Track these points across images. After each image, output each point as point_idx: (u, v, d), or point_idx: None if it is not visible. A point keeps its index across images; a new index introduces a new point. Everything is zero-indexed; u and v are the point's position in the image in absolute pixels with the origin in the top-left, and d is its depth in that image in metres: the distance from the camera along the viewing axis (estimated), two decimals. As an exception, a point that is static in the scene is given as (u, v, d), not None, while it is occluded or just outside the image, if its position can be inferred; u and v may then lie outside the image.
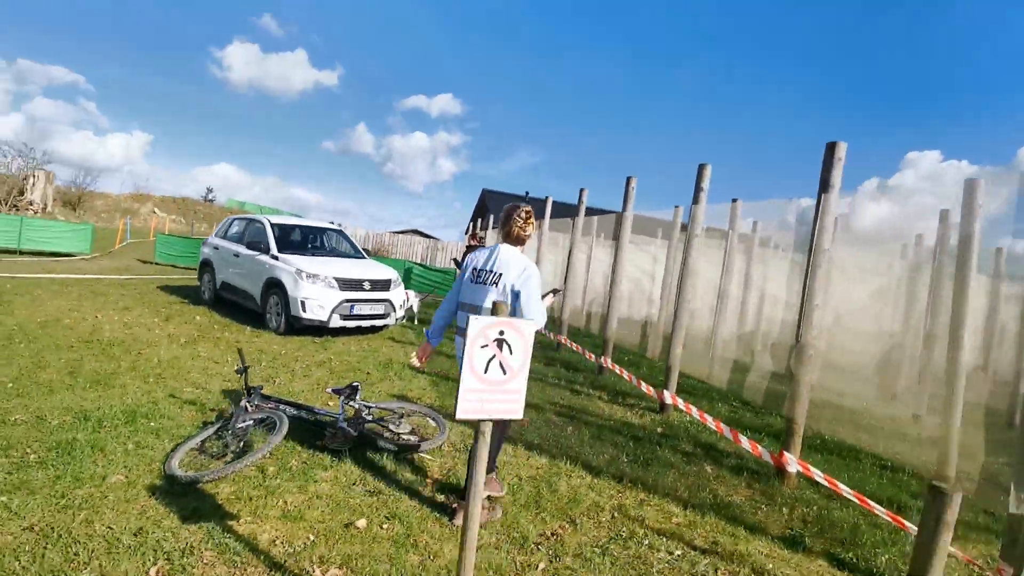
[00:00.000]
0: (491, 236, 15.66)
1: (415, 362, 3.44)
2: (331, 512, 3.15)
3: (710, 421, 5.20)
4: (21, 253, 15.52)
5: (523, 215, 3.17)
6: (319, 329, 8.13)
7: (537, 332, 3.30)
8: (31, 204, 27.36)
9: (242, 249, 9.14)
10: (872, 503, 3.53)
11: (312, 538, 2.87)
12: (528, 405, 5.81)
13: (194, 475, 3.28)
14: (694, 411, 5.46)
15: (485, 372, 1.94)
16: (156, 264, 16.78)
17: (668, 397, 5.92)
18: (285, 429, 3.66)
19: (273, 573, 2.56)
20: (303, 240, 9.54)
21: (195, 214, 37.30)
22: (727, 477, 4.42)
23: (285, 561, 2.66)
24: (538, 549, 2.99)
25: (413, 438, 4.27)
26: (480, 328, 1.92)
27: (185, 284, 12.33)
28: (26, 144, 30.62)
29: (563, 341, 9.21)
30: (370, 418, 4.39)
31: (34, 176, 27.71)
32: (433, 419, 4.59)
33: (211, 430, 3.87)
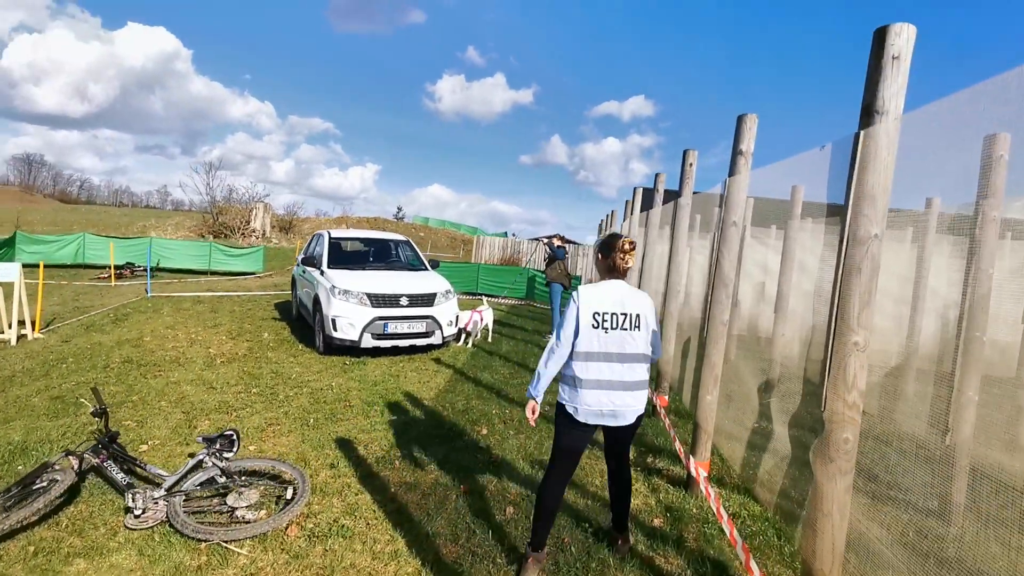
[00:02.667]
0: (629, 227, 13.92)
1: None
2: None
3: (725, 520, 3.22)
4: (212, 274, 18.29)
5: (626, 246, 2.88)
6: (355, 349, 7.57)
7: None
8: (254, 231, 32.75)
9: (307, 266, 9.07)
10: None
11: None
12: (501, 461, 4.37)
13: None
14: (712, 496, 3.48)
15: None
16: (313, 280, 18.48)
17: (693, 467, 3.94)
18: (39, 504, 2.94)
19: None
20: (359, 254, 9.18)
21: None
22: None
23: None
24: None
25: (250, 514, 3.25)
26: None
27: (303, 299, 13.02)
28: (252, 181, 36.82)
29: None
30: (218, 479, 3.48)
31: (255, 208, 33.17)
32: (293, 492, 3.49)
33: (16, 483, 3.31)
